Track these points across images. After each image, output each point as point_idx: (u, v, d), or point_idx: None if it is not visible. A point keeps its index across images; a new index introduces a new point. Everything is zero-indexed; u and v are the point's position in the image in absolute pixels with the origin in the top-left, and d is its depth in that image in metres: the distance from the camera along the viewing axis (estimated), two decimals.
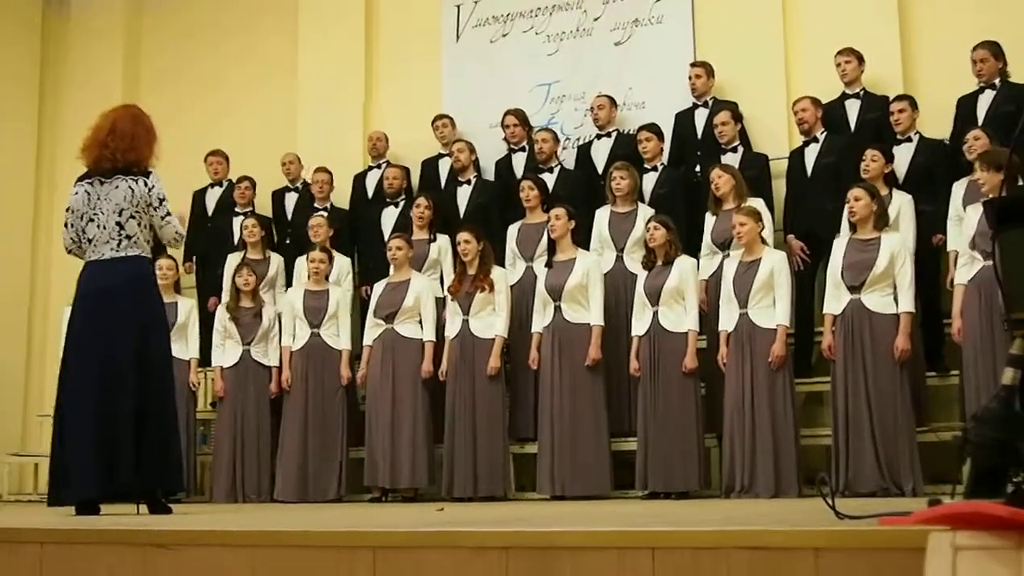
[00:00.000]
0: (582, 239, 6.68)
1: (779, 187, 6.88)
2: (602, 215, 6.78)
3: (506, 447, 6.57)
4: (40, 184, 9.70)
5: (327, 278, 7.16)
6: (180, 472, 4.75)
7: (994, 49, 6.35)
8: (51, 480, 4.55)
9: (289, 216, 8.11)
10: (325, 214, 7.64)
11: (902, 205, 6.17)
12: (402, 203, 7.61)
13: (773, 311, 5.93)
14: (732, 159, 6.78)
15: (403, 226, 7.38)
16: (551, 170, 7.32)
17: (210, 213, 8.37)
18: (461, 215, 7.40)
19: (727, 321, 6.04)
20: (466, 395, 6.51)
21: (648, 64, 7.78)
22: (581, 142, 7.74)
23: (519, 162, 7.61)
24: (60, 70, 9.85)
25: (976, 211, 5.46)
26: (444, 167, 7.87)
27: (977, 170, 5.55)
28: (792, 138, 7.07)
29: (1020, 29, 6.54)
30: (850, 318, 5.80)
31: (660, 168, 7.07)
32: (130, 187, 4.66)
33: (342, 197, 8.14)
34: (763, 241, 6.09)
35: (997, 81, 6.35)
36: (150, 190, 4.69)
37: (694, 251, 6.52)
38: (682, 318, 6.16)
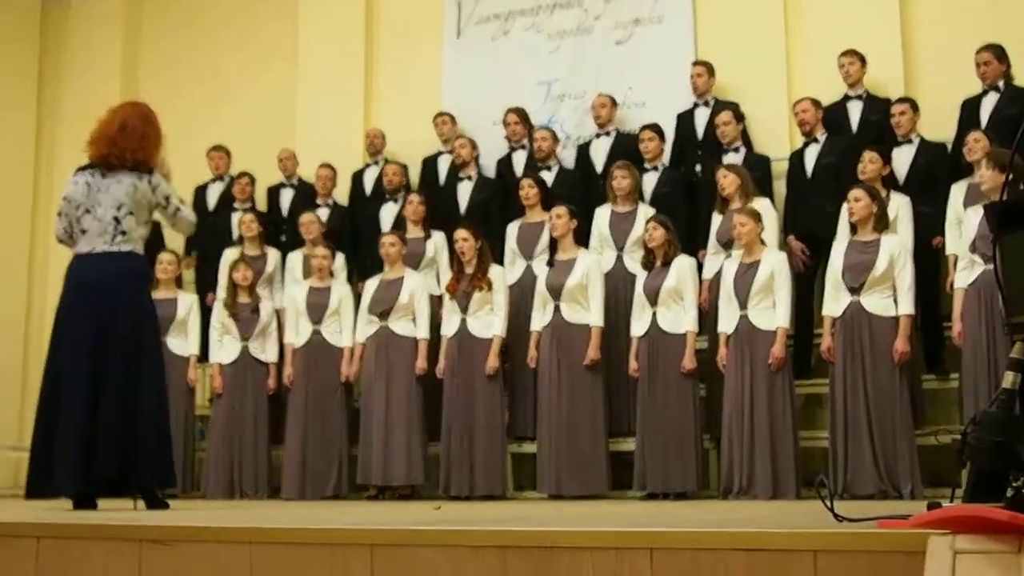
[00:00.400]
0: (580, 238, 6.67)
1: (780, 188, 6.87)
2: (602, 214, 6.77)
3: (504, 446, 6.57)
4: (39, 175, 9.68)
5: (332, 274, 7.15)
6: (171, 468, 4.73)
7: (998, 52, 6.34)
8: (31, 472, 4.52)
9: (285, 213, 8.10)
10: (315, 212, 7.62)
11: (900, 207, 6.17)
12: (401, 199, 7.60)
13: (773, 313, 5.92)
14: (734, 160, 6.77)
15: (401, 222, 7.37)
16: (549, 169, 7.32)
17: (211, 208, 8.36)
18: (462, 212, 7.40)
19: (727, 322, 6.03)
20: (464, 394, 6.50)
21: (649, 63, 7.77)
22: (581, 141, 7.73)
23: (519, 160, 7.60)
24: (59, 59, 9.82)
25: (976, 214, 5.46)
26: (444, 164, 7.86)
27: (982, 168, 5.54)
28: (793, 139, 7.07)
29: (1022, 31, 6.54)
30: (849, 320, 5.79)
31: (661, 168, 7.06)
32: (133, 184, 4.64)
33: (342, 194, 8.13)
34: (762, 242, 6.08)
35: (1001, 84, 6.35)
36: (154, 189, 4.69)
37: (694, 251, 6.51)
38: (681, 319, 6.15)
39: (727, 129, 6.87)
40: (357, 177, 8.15)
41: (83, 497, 4.43)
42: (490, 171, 7.80)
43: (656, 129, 7.10)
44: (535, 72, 8.12)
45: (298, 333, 7.01)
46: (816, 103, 6.75)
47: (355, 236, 7.77)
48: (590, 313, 6.35)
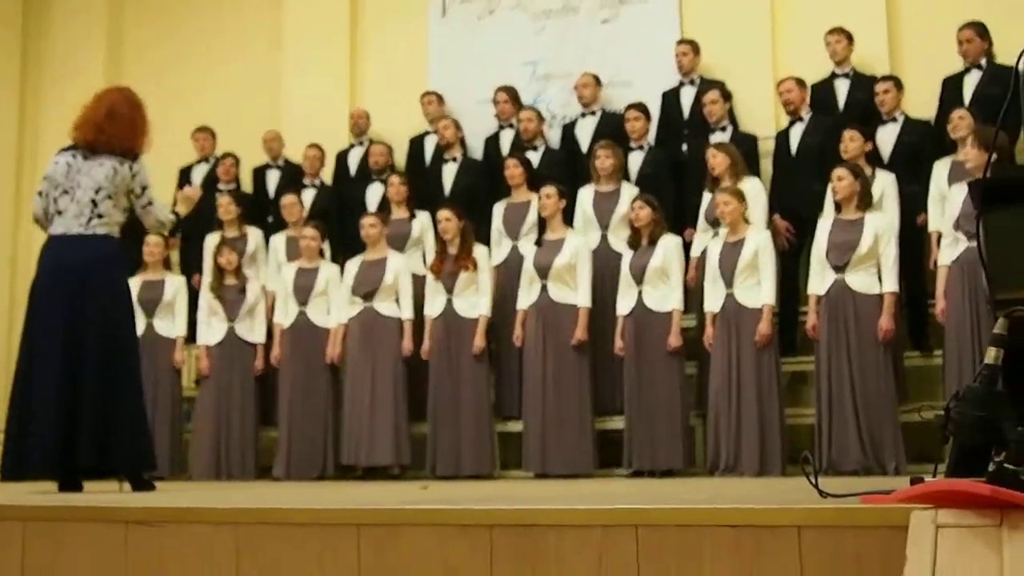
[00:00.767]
0: (567, 218, 6.66)
1: (767, 167, 6.88)
2: (585, 194, 6.77)
3: (491, 426, 6.58)
4: (22, 159, 9.61)
5: (321, 254, 7.13)
6: (150, 452, 4.71)
7: (980, 29, 6.35)
8: (4, 454, 4.49)
9: (272, 194, 8.06)
10: (297, 194, 7.59)
11: (885, 185, 6.18)
12: (387, 180, 7.58)
13: (758, 290, 5.94)
14: (720, 139, 6.77)
15: (387, 203, 7.35)
16: (535, 149, 7.30)
17: None
18: (447, 193, 7.38)
19: (713, 301, 6.05)
20: (451, 374, 6.51)
21: (634, 42, 7.75)
22: (567, 120, 7.72)
23: (507, 139, 7.58)
24: (42, 42, 9.73)
25: (960, 192, 5.48)
26: (431, 144, 7.84)
27: (968, 146, 5.55)
28: (779, 118, 7.07)
29: (1007, 10, 6.54)
30: (834, 298, 5.81)
31: (647, 147, 7.06)
32: (114, 168, 4.61)
33: (329, 174, 8.11)
34: (746, 221, 6.09)
35: (983, 62, 6.36)
36: (133, 176, 4.65)
37: (680, 230, 6.52)
38: (667, 297, 6.17)
39: (714, 108, 6.87)
40: (341, 157, 8.12)
41: (68, 480, 4.42)
42: (477, 151, 7.78)
43: (642, 108, 7.09)
44: (521, 52, 8.09)
45: (287, 314, 7.00)
46: (800, 82, 6.75)
47: (341, 216, 7.75)
48: (577, 293, 6.36)
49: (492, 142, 7.67)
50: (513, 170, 6.90)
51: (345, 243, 7.50)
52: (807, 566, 2.22)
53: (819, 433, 5.74)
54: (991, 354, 2.30)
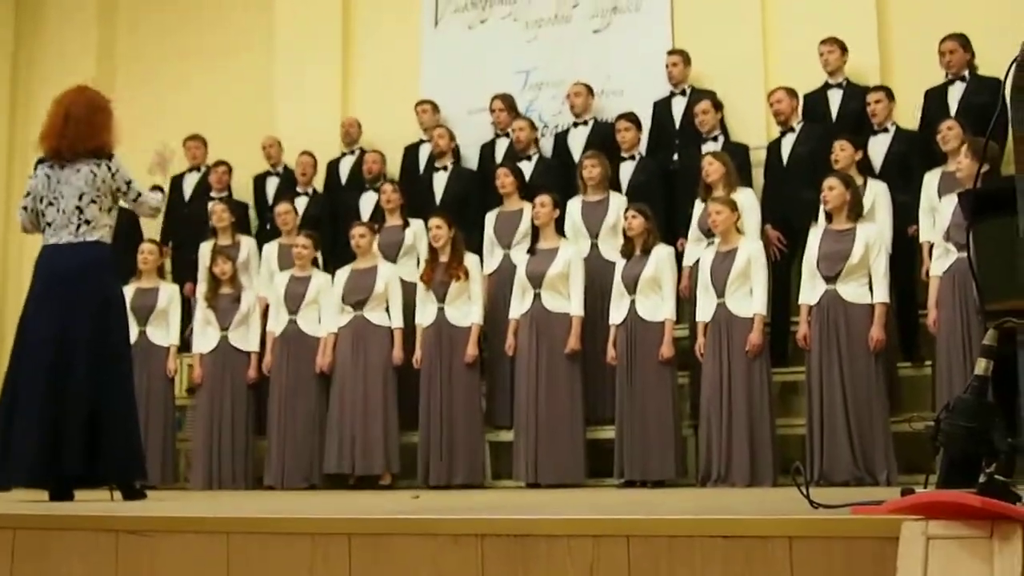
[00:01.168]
0: (560, 228, 6.67)
1: (759, 177, 6.89)
2: (573, 205, 6.77)
3: (482, 435, 6.58)
4: (13, 161, 9.57)
5: (315, 263, 7.12)
6: (139, 460, 4.69)
7: (962, 41, 6.39)
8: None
9: (270, 201, 8.05)
10: (291, 202, 7.59)
11: (877, 194, 6.20)
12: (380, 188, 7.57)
13: (750, 300, 5.95)
14: (712, 149, 6.78)
15: (381, 211, 7.35)
16: (530, 159, 7.31)
17: (187, 199, 8.32)
18: (437, 202, 7.38)
19: (704, 311, 6.06)
20: (442, 383, 6.50)
21: (626, 52, 7.77)
22: (559, 130, 7.73)
23: (502, 148, 7.59)
24: (34, 44, 9.71)
25: (951, 202, 5.49)
26: (425, 153, 7.84)
27: (961, 156, 5.57)
28: (770, 128, 7.08)
29: (995, 21, 6.57)
30: (825, 308, 5.82)
31: (638, 157, 7.07)
32: (92, 172, 4.60)
33: (322, 182, 8.11)
34: (739, 231, 6.10)
35: (966, 73, 6.39)
36: (114, 174, 4.64)
37: (671, 240, 6.53)
38: (659, 307, 6.17)
39: (706, 118, 6.88)
40: (332, 166, 8.12)
41: (59, 489, 4.41)
42: (468, 159, 7.79)
43: (632, 119, 7.10)
44: (513, 61, 8.10)
45: (278, 322, 7.00)
46: (791, 92, 6.76)
47: (334, 225, 7.75)
48: (571, 302, 6.36)
49: (487, 150, 7.68)
50: (504, 179, 6.91)
51: (337, 252, 7.49)
52: None
53: (810, 443, 5.74)
54: (981, 365, 2.31)
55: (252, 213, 8.20)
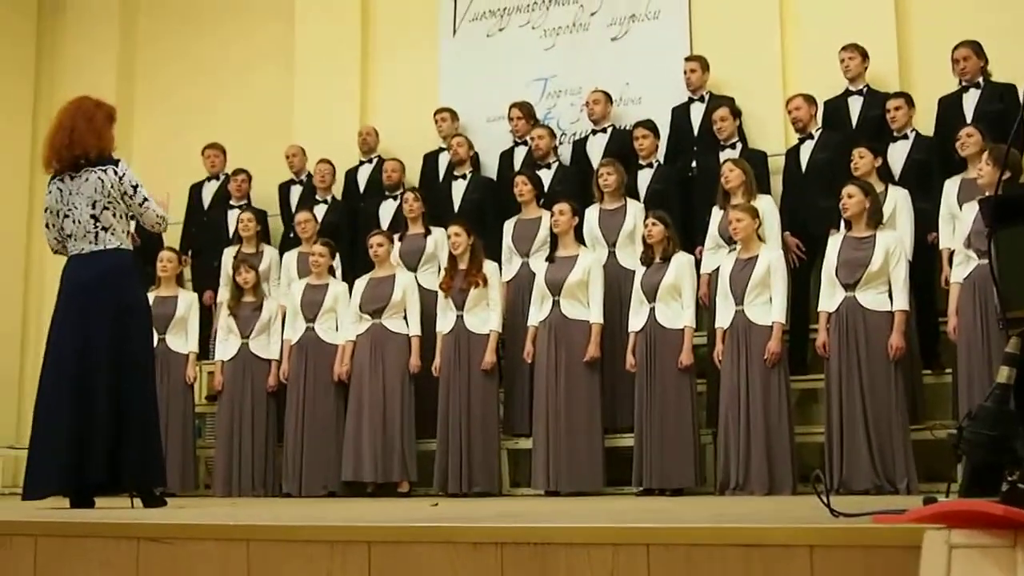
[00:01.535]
0: (579, 236, 6.67)
1: (777, 184, 6.88)
2: (591, 213, 6.77)
3: (500, 442, 6.57)
4: (35, 177, 9.66)
5: (331, 272, 7.14)
6: (160, 467, 4.72)
7: (976, 48, 6.37)
8: (25, 473, 4.57)
9: (293, 209, 8.06)
10: (311, 210, 7.61)
11: (898, 200, 6.16)
12: (400, 196, 7.60)
13: (769, 308, 5.93)
14: (730, 156, 6.76)
15: (400, 220, 7.37)
16: (549, 166, 7.32)
17: (206, 207, 8.36)
18: (455, 210, 7.39)
19: (723, 318, 6.04)
20: (460, 390, 6.51)
21: (645, 59, 7.78)
22: (577, 137, 7.74)
23: (520, 156, 7.60)
24: (55, 60, 9.82)
25: (971, 209, 5.47)
26: (444, 161, 7.86)
27: (982, 163, 5.54)
28: (788, 134, 7.07)
29: (1014, 27, 6.55)
30: (844, 316, 5.80)
31: (655, 165, 7.07)
32: (99, 178, 4.63)
33: (341, 189, 8.14)
34: (760, 238, 6.08)
35: (980, 80, 6.37)
36: (121, 178, 4.67)
37: (689, 247, 6.52)
38: (679, 314, 6.16)
39: (724, 125, 6.87)
40: (351, 175, 8.15)
41: (80, 496, 4.43)
42: (490, 167, 7.80)
43: (650, 126, 7.10)
44: (531, 68, 8.12)
45: (294, 330, 7.02)
46: (809, 99, 6.75)
47: (353, 233, 7.77)
48: (590, 310, 6.36)
49: (506, 158, 7.69)
50: (523, 187, 6.92)
51: (356, 260, 7.51)
52: None
53: (829, 451, 5.72)
54: (1003, 373, 2.30)
55: (273, 221, 8.23)
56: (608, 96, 7.50)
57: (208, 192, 8.40)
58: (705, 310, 6.45)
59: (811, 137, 6.71)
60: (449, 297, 6.65)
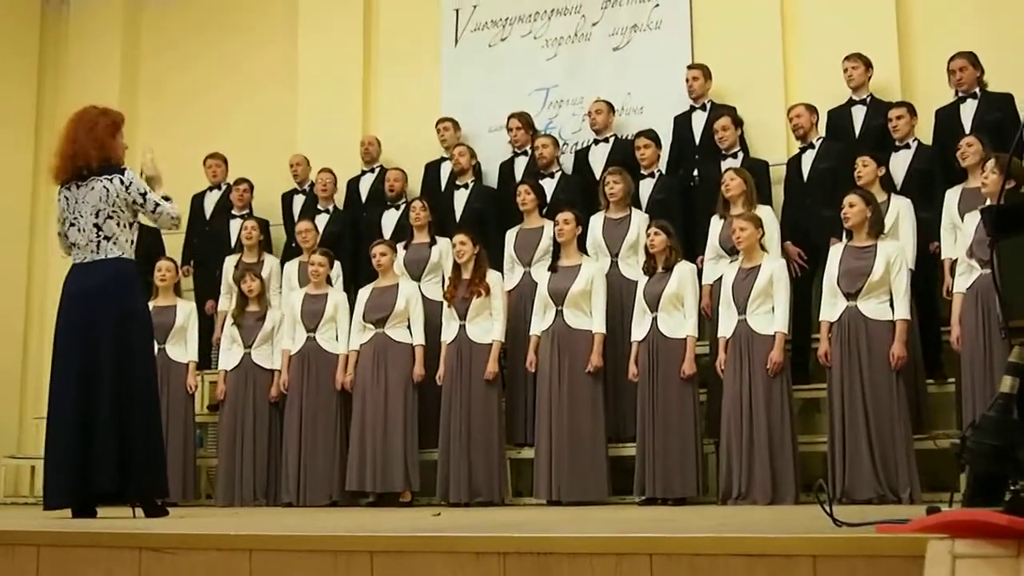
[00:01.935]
0: (581, 245, 6.67)
1: (778, 193, 6.88)
2: (596, 221, 6.78)
3: (503, 452, 6.57)
4: (37, 184, 9.67)
5: (329, 281, 7.15)
6: (162, 477, 4.71)
7: (972, 58, 6.39)
8: (44, 485, 4.60)
9: (296, 218, 8.06)
10: (312, 220, 7.61)
11: (900, 210, 6.16)
12: (403, 206, 7.60)
13: (771, 317, 5.93)
14: (731, 165, 6.77)
15: (402, 229, 7.37)
16: (552, 176, 7.33)
17: (208, 216, 8.37)
18: (457, 219, 7.39)
19: (726, 327, 6.04)
20: (463, 400, 6.50)
21: (646, 69, 7.78)
22: (579, 147, 7.75)
23: (520, 166, 7.61)
24: (58, 71, 9.84)
25: (974, 219, 5.47)
26: (446, 170, 7.87)
27: (987, 172, 5.55)
28: (790, 144, 7.08)
29: (1016, 36, 6.56)
30: (846, 325, 5.79)
31: (657, 174, 7.07)
32: (105, 187, 4.63)
33: (343, 199, 8.15)
34: (762, 248, 6.08)
35: (977, 90, 6.38)
36: (127, 187, 4.66)
37: (691, 257, 6.52)
38: (681, 324, 6.16)
39: (726, 135, 6.87)
40: (353, 184, 8.15)
41: (82, 506, 4.43)
42: (491, 177, 7.81)
43: (651, 136, 7.10)
44: (533, 78, 8.13)
45: (294, 340, 7.02)
46: (810, 108, 6.76)
47: (356, 243, 7.77)
48: (592, 319, 6.36)
49: (506, 168, 7.70)
50: (525, 196, 6.92)
51: (359, 269, 7.51)
52: None
53: (832, 461, 5.71)
54: (1006, 383, 2.29)
55: (275, 231, 8.23)
56: (610, 106, 7.50)
57: (210, 202, 8.41)
58: (707, 320, 6.45)
59: (812, 147, 6.72)
60: (452, 307, 6.65)
